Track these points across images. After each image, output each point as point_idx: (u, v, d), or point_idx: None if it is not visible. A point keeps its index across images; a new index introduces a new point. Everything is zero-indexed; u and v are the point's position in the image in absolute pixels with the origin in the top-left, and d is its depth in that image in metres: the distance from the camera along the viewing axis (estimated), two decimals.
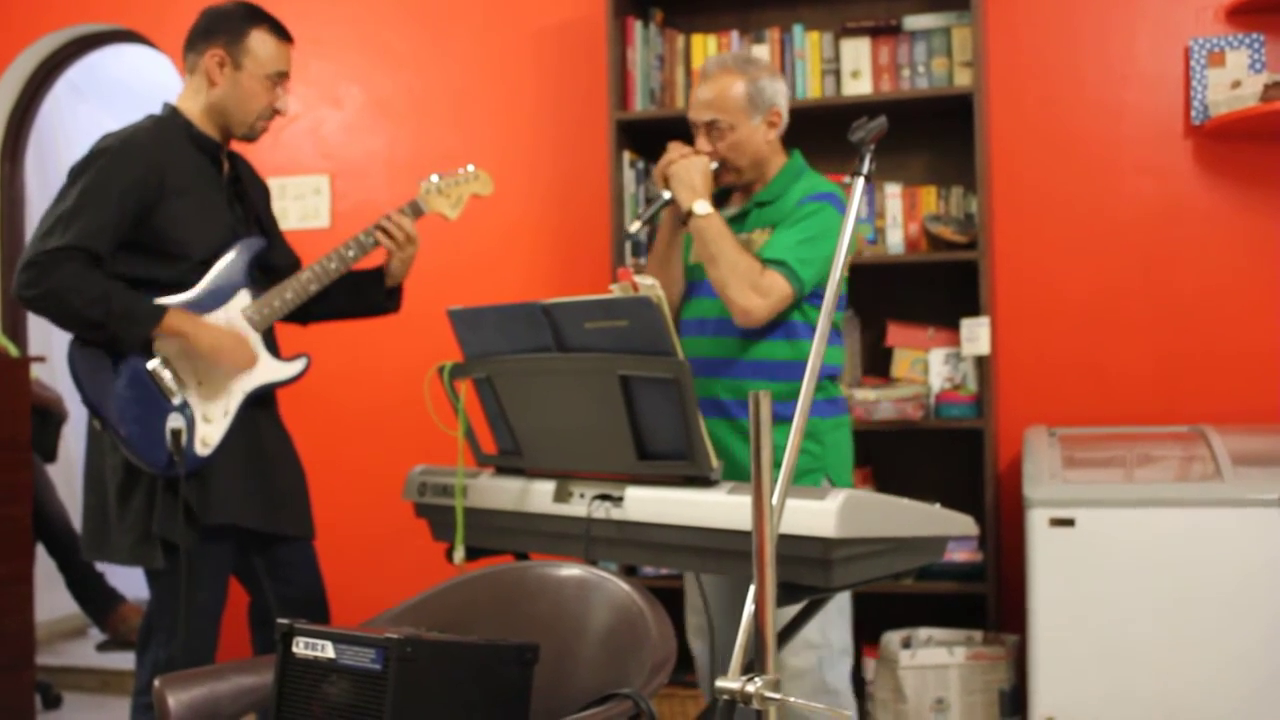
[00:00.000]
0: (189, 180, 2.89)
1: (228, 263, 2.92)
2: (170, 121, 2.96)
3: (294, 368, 3.01)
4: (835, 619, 2.84)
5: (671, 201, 2.86)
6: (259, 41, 2.94)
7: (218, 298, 2.90)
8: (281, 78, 2.98)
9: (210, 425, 2.85)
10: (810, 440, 2.84)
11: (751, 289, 2.73)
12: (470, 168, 3.23)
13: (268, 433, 3.01)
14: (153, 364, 2.82)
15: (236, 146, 3.10)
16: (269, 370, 2.97)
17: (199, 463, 2.82)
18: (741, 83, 2.88)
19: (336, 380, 4.49)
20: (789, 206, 2.87)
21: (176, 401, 2.82)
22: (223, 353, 2.85)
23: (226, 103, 2.95)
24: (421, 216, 3.14)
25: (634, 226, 2.87)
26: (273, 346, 3.02)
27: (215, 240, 2.92)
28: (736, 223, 2.91)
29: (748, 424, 2.84)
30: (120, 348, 2.79)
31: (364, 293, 3.18)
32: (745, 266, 2.74)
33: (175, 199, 2.84)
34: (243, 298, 2.94)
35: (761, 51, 3.99)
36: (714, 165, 2.88)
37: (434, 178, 3.17)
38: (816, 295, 2.84)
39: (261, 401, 2.99)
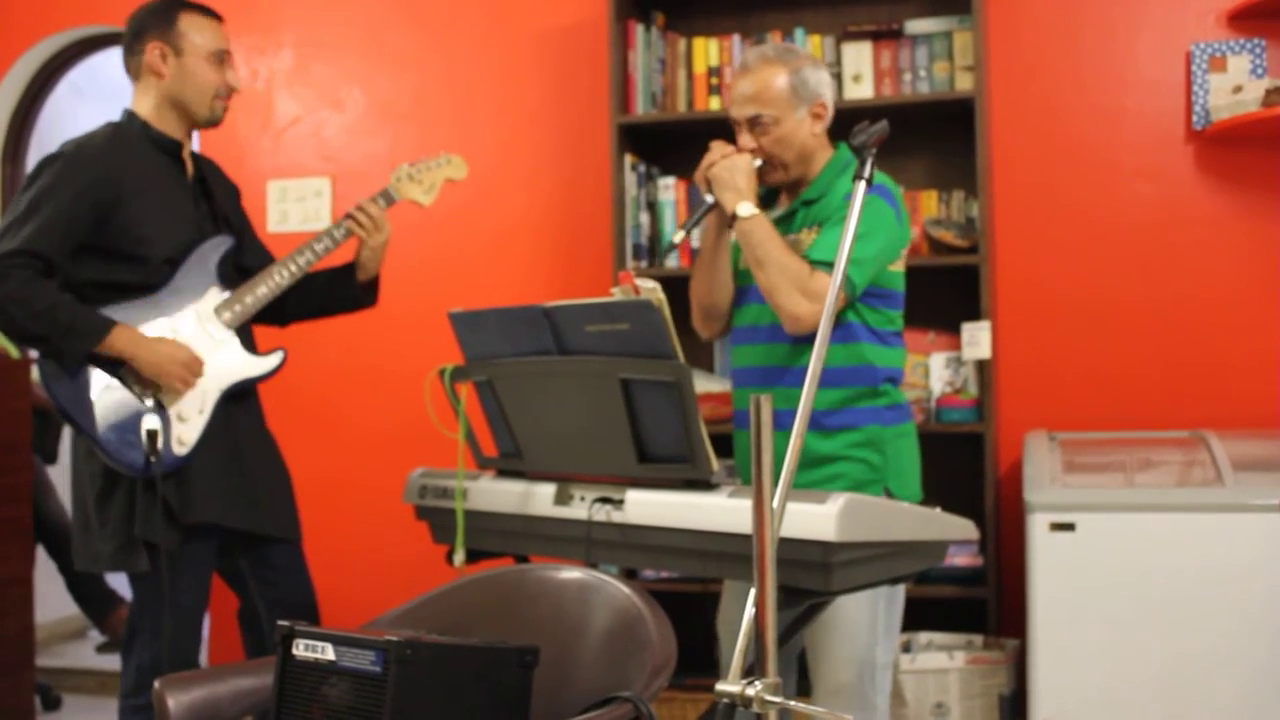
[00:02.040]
0: (149, 181, 2.87)
1: (195, 261, 2.91)
2: (127, 126, 2.93)
3: (269, 362, 2.99)
4: (884, 636, 2.70)
5: (715, 206, 2.73)
6: (190, 24, 2.92)
7: (186, 296, 2.89)
8: (224, 55, 2.97)
9: (186, 424, 2.83)
10: (871, 450, 2.70)
11: (800, 293, 2.58)
12: (442, 154, 3.23)
13: (248, 432, 2.99)
14: (124, 368, 2.80)
15: (207, 149, 3.09)
16: (244, 365, 2.95)
17: (177, 462, 2.80)
18: (784, 74, 2.72)
19: (337, 382, 4.49)
20: (836, 202, 2.73)
21: (150, 402, 2.80)
22: (166, 374, 2.80)
23: (179, 91, 2.92)
24: (394, 204, 3.13)
25: (678, 236, 2.71)
26: (249, 342, 3.00)
27: (180, 238, 2.90)
28: (784, 223, 2.77)
29: (809, 438, 2.64)
30: (63, 360, 2.77)
31: (338, 287, 3.16)
32: (794, 270, 2.59)
33: (135, 200, 2.82)
34: (213, 295, 2.92)
35: None
36: (758, 163, 2.73)
37: (404, 166, 3.17)
38: (873, 295, 2.70)
39: (240, 399, 2.97)
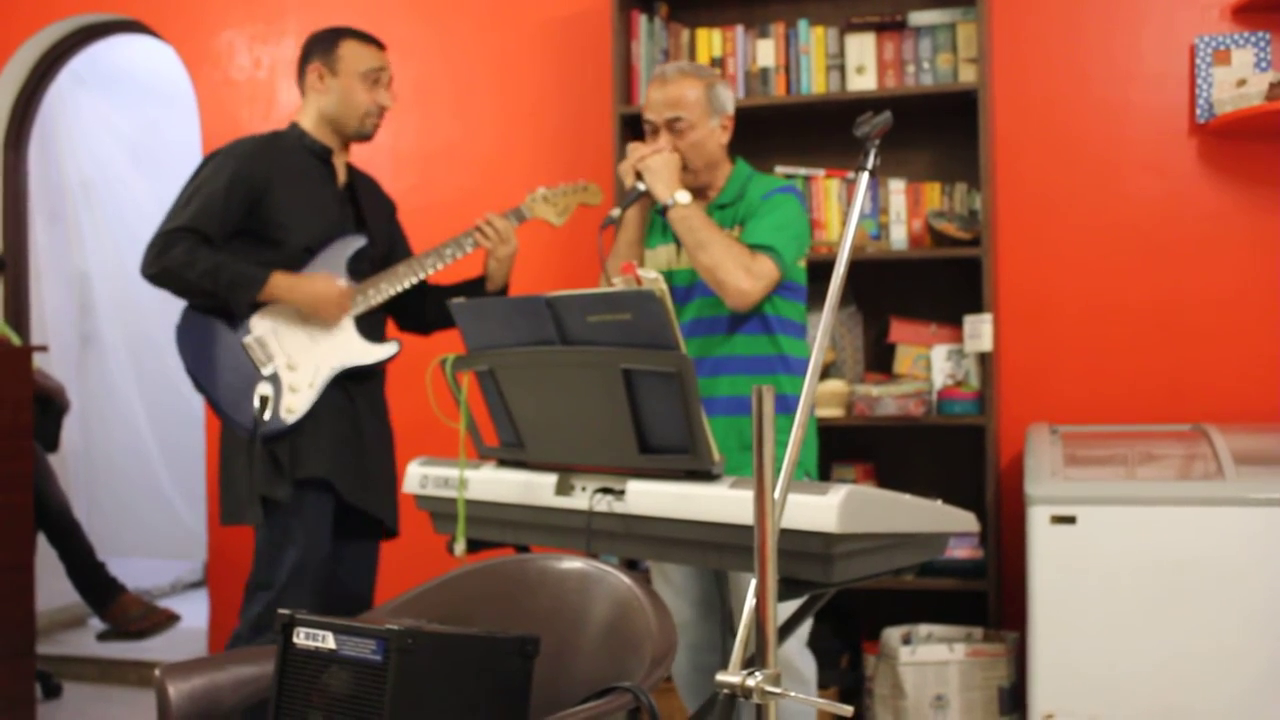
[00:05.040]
0: (297, 178, 3.22)
1: (330, 253, 3.23)
2: (288, 132, 3.31)
3: (381, 351, 3.27)
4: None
5: (646, 194, 2.96)
6: (349, 49, 3.29)
7: None
8: (377, 73, 3.30)
9: (296, 395, 3.13)
10: (789, 436, 2.84)
11: (745, 272, 2.84)
12: (581, 181, 3.47)
13: (365, 414, 3.28)
14: (248, 339, 3.14)
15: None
16: (357, 352, 3.23)
17: (284, 428, 3.10)
18: (700, 86, 3.01)
19: None
20: (754, 202, 2.98)
21: (267, 372, 3.12)
22: (322, 308, 3.15)
23: (334, 108, 3.27)
24: (524, 222, 3.37)
25: (615, 212, 2.99)
26: (373, 333, 3.28)
27: (318, 230, 3.22)
28: None
29: (736, 421, 2.92)
30: (233, 310, 3.13)
31: (469, 297, 3.33)
32: (737, 250, 2.86)
33: (282, 191, 3.17)
34: (340, 285, 3.20)
35: (766, 46, 3.99)
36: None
37: (541, 189, 3.41)
38: (787, 288, 2.95)
39: (360, 382, 3.25)
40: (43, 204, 5.72)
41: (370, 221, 3.36)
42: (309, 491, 3.13)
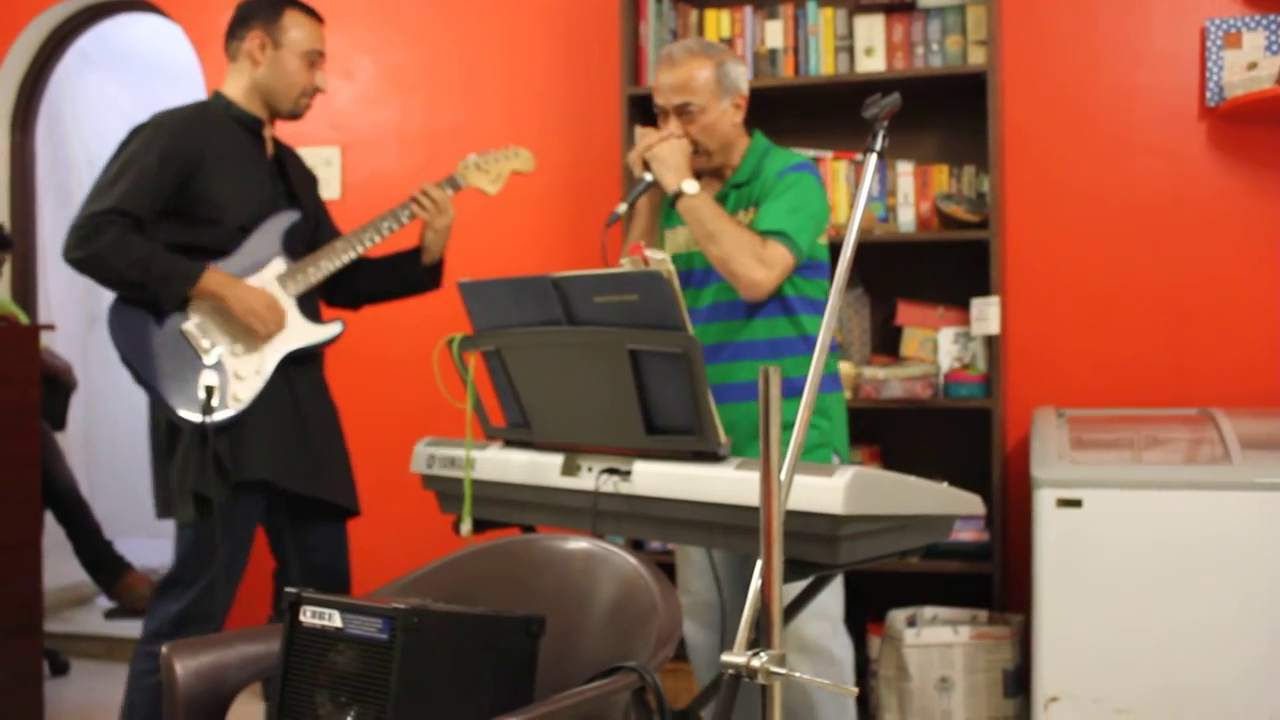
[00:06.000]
0: (229, 152, 3.05)
1: (265, 231, 3.08)
2: (214, 103, 3.14)
3: (328, 331, 3.16)
4: (837, 590, 2.89)
5: (654, 184, 2.89)
6: (293, 21, 3.11)
7: (253, 264, 3.05)
8: (317, 56, 3.15)
9: (242, 382, 2.99)
10: (819, 415, 2.85)
11: (757, 261, 2.76)
12: (511, 146, 3.37)
13: (307, 398, 3.13)
14: (187, 324, 2.97)
15: (282, 134, 3.26)
16: (302, 333, 3.10)
17: (230, 419, 2.95)
18: (709, 66, 2.90)
19: (344, 351, 4.48)
20: (769, 181, 2.90)
21: (210, 360, 2.97)
22: (254, 314, 2.98)
23: (270, 81, 3.11)
24: (459, 191, 3.28)
25: (621, 208, 2.89)
26: (312, 312, 3.15)
27: (253, 208, 3.06)
28: None
29: (755, 407, 2.87)
30: (160, 305, 2.95)
31: (404, 269, 3.31)
32: (747, 240, 2.78)
33: (215, 168, 3.00)
34: (277, 264, 3.09)
35: (775, 27, 3.97)
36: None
37: (472, 156, 3.31)
38: (807, 266, 2.88)
39: (302, 365, 3.12)
40: (50, 183, 5.73)
41: (301, 195, 3.22)
42: (245, 492, 2.99)
